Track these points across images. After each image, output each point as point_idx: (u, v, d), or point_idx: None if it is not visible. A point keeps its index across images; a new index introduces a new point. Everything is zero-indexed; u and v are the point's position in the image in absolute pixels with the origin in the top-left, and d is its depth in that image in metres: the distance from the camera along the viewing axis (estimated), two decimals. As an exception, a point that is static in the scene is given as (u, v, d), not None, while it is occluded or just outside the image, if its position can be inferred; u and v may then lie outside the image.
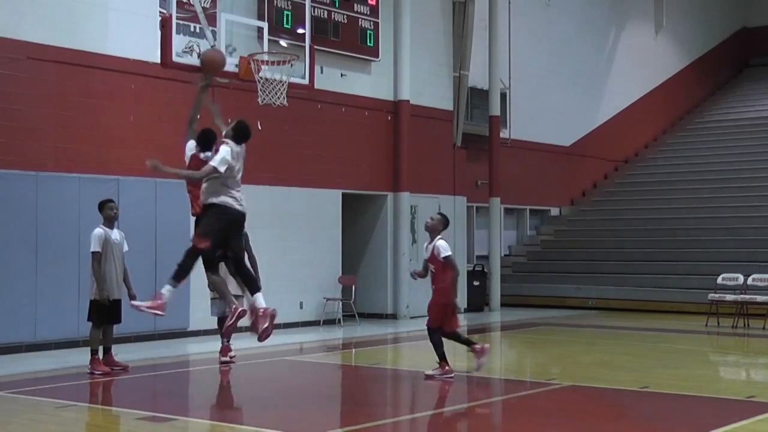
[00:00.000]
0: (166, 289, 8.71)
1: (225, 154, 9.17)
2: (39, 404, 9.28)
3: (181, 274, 8.86)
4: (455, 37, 20.19)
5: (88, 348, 11.11)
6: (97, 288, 10.92)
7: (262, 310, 8.91)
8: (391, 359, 13.78)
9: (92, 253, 10.95)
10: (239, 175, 9.47)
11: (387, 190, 18.58)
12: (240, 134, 9.49)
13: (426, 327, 10.78)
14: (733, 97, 31.90)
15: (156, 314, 8.74)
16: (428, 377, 10.63)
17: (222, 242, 9.16)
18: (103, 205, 11.25)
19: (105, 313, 11.03)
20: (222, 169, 9.10)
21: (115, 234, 11.18)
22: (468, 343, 10.93)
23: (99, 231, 11.04)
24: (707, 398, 9.57)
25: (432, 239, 10.69)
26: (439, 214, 11.07)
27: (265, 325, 8.87)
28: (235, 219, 9.34)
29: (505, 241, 23.05)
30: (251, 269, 9.47)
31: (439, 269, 10.59)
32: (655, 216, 23.48)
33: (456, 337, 10.86)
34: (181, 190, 14.61)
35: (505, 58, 22.11)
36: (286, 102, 12.26)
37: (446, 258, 10.53)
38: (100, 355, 11.12)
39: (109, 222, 11.18)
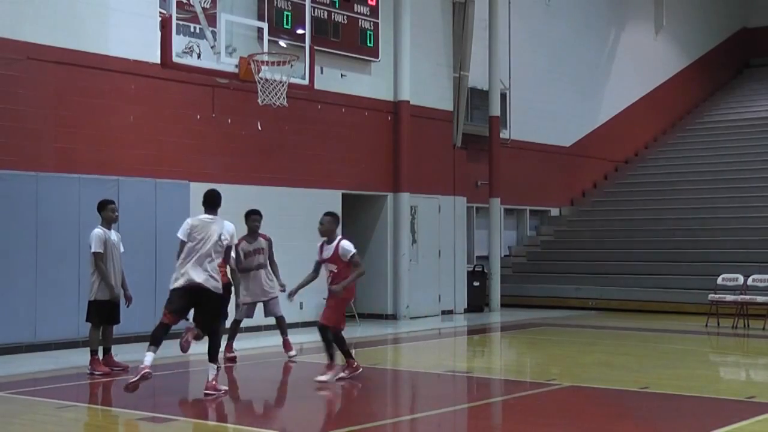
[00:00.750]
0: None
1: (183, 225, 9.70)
2: (39, 404, 9.28)
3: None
4: (455, 38, 20.18)
5: (88, 348, 11.11)
6: (106, 286, 10.93)
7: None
8: (391, 359, 13.78)
9: (95, 253, 10.94)
10: (204, 248, 9.48)
11: (387, 190, 18.57)
12: (204, 202, 9.82)
13: (321, 326, 10.54)
14: (733, 97, 31.89)
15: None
16: (339, 379, 10.30)
17: (183, 313, 9.71)
18: (104, 206, 11.21)
19: (104, 314, 11.04)
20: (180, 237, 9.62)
21: (113, 235, 11.18)
22: (348, 354, 10.62)
23: (99, 231, 11.03)
24: (707, 398, 9.57)
25: (330, 240, 10.42)
26: (328, 214, 10.59)
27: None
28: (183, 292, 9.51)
29: (505, 241, 23.04)
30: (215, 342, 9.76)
31: (342, 269, 10.34)
32: (655, 216, 23.48)
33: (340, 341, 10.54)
34: (181, 190, 14.68)
35: (505, 58, 22.11)
36: (286, 102, 12.28)
37: (352, 257, 10.32)
38: (100, 355, 11.12)
39: (108, 223, 11.17)
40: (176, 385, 10.94)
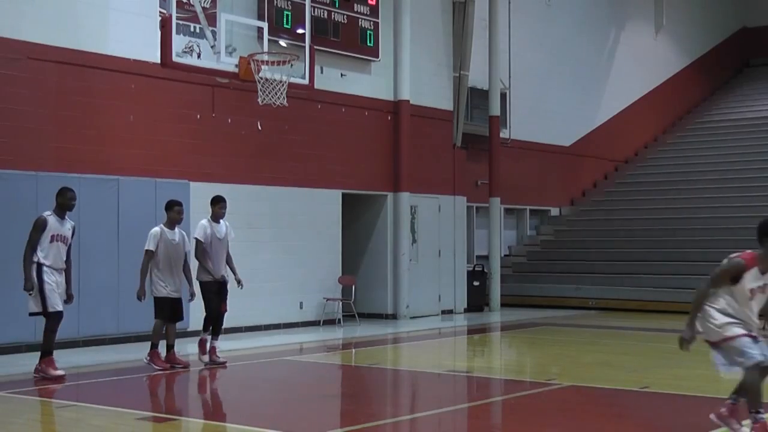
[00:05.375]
0: None
1: None
2: (39, 404, 9.28)
3: None
4: (455, 37, 20.18)
5: (148, 342, 11.29)
6: (140, 285, 11.06)
7: None
8: (391, 359, 13.78)
9: (145, 251, 11.12)
10: None
11: (387, 190, 18.57)
12: None
13: None
14: (733, 97, 31.89)
15: None
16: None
17: None
18: (170, 207, 11.34)
19: (167, 310, 11.20)
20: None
21: (175, 234, 11.28)
22: None
23: (156, 230, 11.18)
24: (707, 398, 9.56)
25: None
26: None
27: None
28: None
29: (505, 241, 23.05)
30: None
31: None
32: (655, 216, 23.48)
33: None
34: (181, 190, 14.66)
35: (505, 58, 22.11)
36: (286, 102, 12.28)
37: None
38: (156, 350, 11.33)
39: (172, 224, 11.28)
40: (176, 385, 10.95)
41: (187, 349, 13.55)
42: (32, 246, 10.47)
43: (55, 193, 10.79)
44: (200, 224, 11.50)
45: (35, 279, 10.39)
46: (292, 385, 10.85)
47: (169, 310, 11.22)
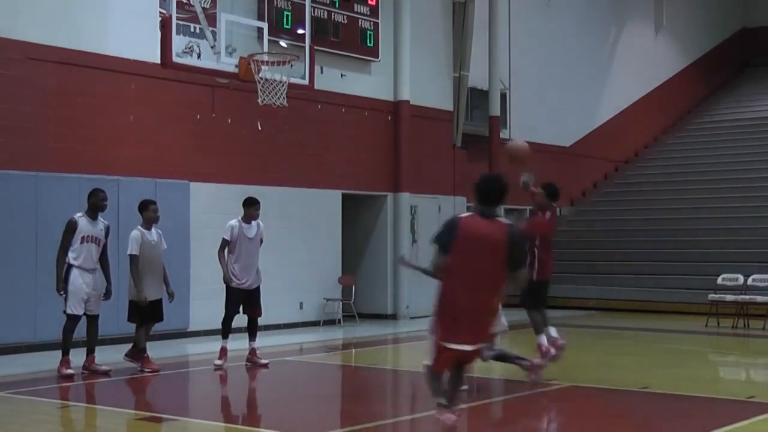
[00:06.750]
0: None
1: None
2: (39, 404, 9.28)
3: None
4: (455, 37, 20.18)
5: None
6: (136, 290, 10.99)
7: None
8: (391, 360, 13.79)
9: (130, 255, 11.02)
10: None
11: (387, 190, 18.57)
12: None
13: None
14: (733, 97, 31.86)
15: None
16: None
17: None
18: (145, 207, 11.28)
19: (147, 313, 11.13)
20: None
21: (153, 235, 11.21)
22: None
23: (136, 233, 11.09)
24: (707, 398, 9.57)
25: None
26: None
27: None
28: None
29: (505, 241, 22.99)
30: None
31: None
32: (655, 216, 23.47)
33: None
34: (181, 190, 14.67)
35: (505, 58, 22.10)
36: (286, 102, 12.29)
37: None
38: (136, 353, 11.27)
39: (148, 224, 11.22)
40: (176, 385, 10.95)
41: (186, 349, 13.57)
42: (64, 248, 10.67)
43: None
44: (228, 224, 11.37)
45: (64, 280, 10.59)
46: (292, 385, 10.84)
47: (149, 312, 11.17)
